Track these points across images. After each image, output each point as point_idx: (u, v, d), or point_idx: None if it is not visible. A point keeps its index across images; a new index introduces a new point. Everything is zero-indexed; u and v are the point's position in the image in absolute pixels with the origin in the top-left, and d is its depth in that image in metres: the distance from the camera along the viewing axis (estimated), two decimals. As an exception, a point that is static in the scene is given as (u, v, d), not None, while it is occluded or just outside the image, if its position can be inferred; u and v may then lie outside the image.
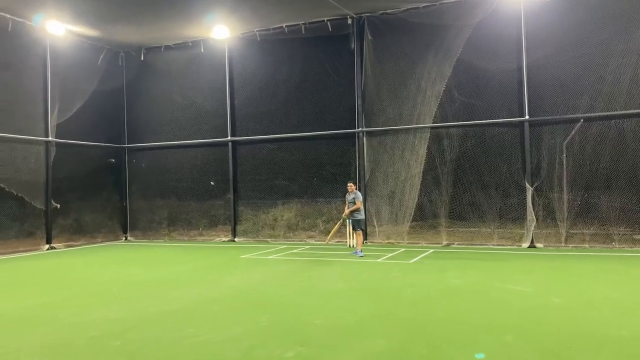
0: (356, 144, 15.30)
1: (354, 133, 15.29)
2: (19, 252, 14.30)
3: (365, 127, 15.16)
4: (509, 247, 13.31)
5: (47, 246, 15.24)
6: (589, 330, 5.62)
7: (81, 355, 5.08)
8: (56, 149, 15.68)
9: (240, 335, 5.61)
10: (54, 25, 14.80)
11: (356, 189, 12.68)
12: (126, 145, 18.41)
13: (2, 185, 14.07)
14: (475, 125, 14.08)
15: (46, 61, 15.43)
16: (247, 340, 5.44)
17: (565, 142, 13.18)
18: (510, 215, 13.71)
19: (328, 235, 13.34)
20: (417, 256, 11.95)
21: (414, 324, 5.98)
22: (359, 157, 15.23)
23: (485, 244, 13.67)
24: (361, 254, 12.03)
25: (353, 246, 12.97)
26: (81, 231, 16.62)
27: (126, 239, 18.17)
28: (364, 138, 15.21)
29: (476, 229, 14.11)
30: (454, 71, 14.06)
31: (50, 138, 15.46)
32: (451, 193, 14.26)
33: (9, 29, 14.19)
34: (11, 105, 14.49)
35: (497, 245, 13.54)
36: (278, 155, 16.42)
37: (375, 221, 15.08)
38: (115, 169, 18.20)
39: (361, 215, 12.39)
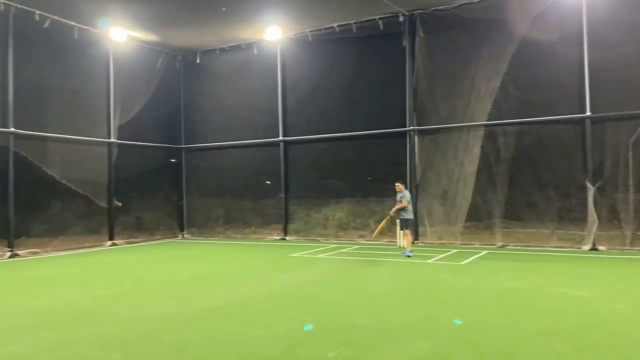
0: (408, 143, 15.09)
1: (406, 132, 15.10)
2: (84, 247, 15.09)
3: (417, 126, 14.94)
4: (568, 249, 12.74)
5: (109, 242, 16.00)
6: (614, 328, 5.29)
7: (134, 347, 5.30)
8: (118, 149, 16.44)
9: (285, 334, 5.68)
10: (116, 32, 15.53)
11: (404, 189, 12.53)
12: (183, 145, 19.03)
13: (69, 184, 14.88)
14: (533, 122, 13.56)
15: (109, 66, 16.20)
16: (290, 338, 5.50)
17: (632, 139, 12.47)
18: (570, 216, 13.12)
19: (383, 225, 13.10)
20: (469, 257, 11.66)
21: (461, 329, 5.84)
22: (410, 156, 15.03)
23: (543, 246, 13.14)
24: (409, 254, 11.89)
25: (403, 246, 12.83)
26: (141, 228, 17.34)
27: (183, 236, 18.79)
28: (416, 137, 14.99)
29: (534, 230, 13.60)
30: (510, 67, 13.61)
31: (112, 139, 16.22)
32: (507, 193, 13.81)
33: (75, 36, 14.99)
34: (77, 109, 15.32)
35: (556, 247, 12.99)
36: (329, 155, 16.48)
37: (427, 221, 14.84)
38: (173, 169, 18.86)
39: (408, 215, 12.23)
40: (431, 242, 14.60)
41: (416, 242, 14.63)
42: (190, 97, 18.95)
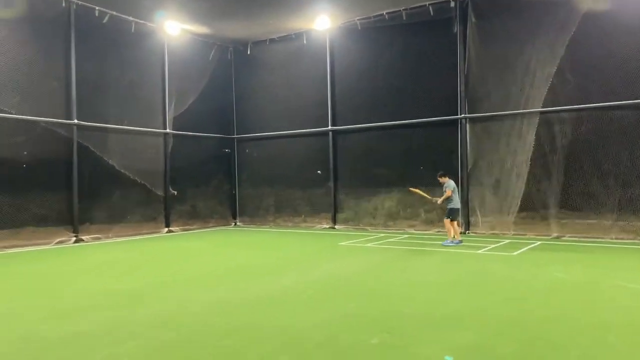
0: (459, 131, 14.81)
1: (457, 120, 14.81)
2: (142, 234, 15.79)
3: (469, 114, 14.62)
4: (629, 241, 12.18)
5: (166, 229, 16.67)
6: None
7: (186, 328, 5.56)
8: (173, 140, 17.03)
9: (328, 321, 5.78)
10: (170, 25, 16.04)
11: (448, 178, 12.36)
12: (235, 136, 19.46)
13: (128, 173, 15.58)
14: (592, 108, 12.97)
15: (164, 59, 16.77)
16: (334, 325, 5.61)
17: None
18: (632, 206, 12.51)
19: (421, 194, 12.99)
20: (522, 248, 11.38)
21: (508, 320, 5.76)
22: (461, 145, 14.74)
23: (602, 238, 12.61)
24: (449, 243, 11.95)
25: (454, 237, 12.68)
26: (196, 216, 17.94)
27: (235, 224, 19.29)
28: (467, 125, 14.68)
29: (593, 221, 13.06)
30: (568, 50, 13.04)
31: (167, 130, 16.82)
32: (562, 182, 13.32)
33: (132, 31, 15.60)
34: (135, 101, 15.97)
35: (616, 239, 12.44)
36: (378, 144, 16.41)
37: (479, 211, 14.56)
38: (226, 159, 19.35)
39: (452, 204, 12.09)
40: (483, 232, 14.32)
41: (467, 232, 14.42)
42: (242, 88, 19.32)
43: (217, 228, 18.25)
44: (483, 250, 11.35)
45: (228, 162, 19.45)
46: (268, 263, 10.49)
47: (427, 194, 12.87)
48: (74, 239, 14.00)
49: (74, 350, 4.87)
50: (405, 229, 15.59)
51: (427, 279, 8.34)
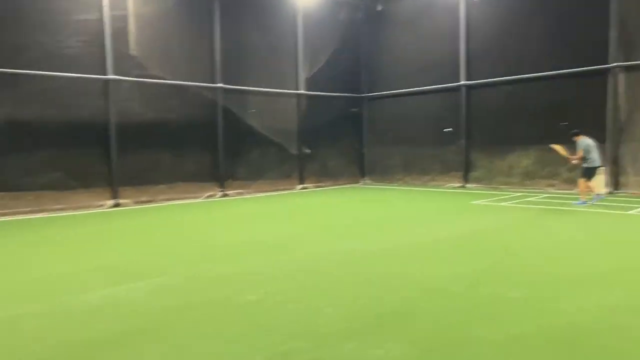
0: (609, 82, 13.46)
1: (607, 69, 13.46)
2: (279, 190, 16.85)
3: (623, 62, 13.19)
4: None
5: (300, 186, 17.58)
6: None
7: (329, 274, 5.99)
8: (306, 100, 17.69)
9: (465, 274, 5.85)
10: (303, -12, 16.47)
11: (582, 137, 11.41)
12: (365, 94, 19.62)
13: (266, 133, 16.59)
14: None
15: (297, 22, 17.29)
16: (471, 278, 5.66)
17: None
18: None
19: (561, 151, 12.20)
20: (683, 210, 10.26)
21: (665, 282, 5.36)
22: (613, 97, 13.41)
23: None
24: (582, 203, 11.30)
25: (598, 193, 11.82)
26: (327, 174, 18.63)
27: (364, 182, 19.69)
28: (621, 74, 13.28)
29: None
30: None
31: (301, 91, 17.49)
32: None
33: (269, -4, 16.32)
34: (271, 64, 16.79)
35: None
36: (515, 99, 15.53)
37: (630, 169, 13.28)
38: (356, 118, 19.65)
39: (587, 163, 11.25)
40: (634, 192, 13.08)
41: (616, 191, 13.28)
42: (371, 46, 19.29)
43: (347, 186, 18.79)
44: (634, 211, 10.42)
45: (357, 121, 19.74)
46: (401, 218, 10.69)
47: (567, 152, 12.01)
48: (220, 193, 15.39)
49: (234, 287, 5.53)
50: (544, 188, 14.77)
51: (569, 238, 7.95)
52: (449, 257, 6.83)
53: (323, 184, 18.34)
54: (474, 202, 12.83)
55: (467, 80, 16.46)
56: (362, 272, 6.06)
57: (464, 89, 16.57)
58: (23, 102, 11.99)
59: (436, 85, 17.30)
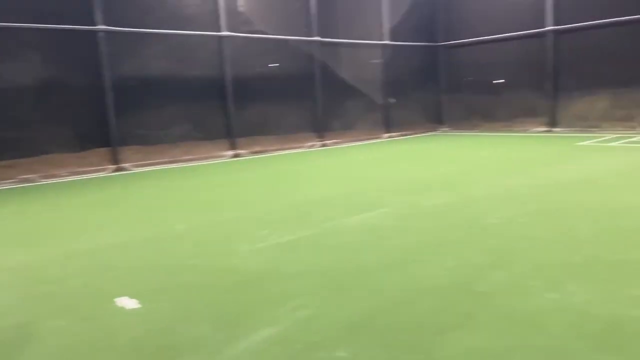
0: None
1: None
2: (369, 139, 17.46)
3: None
4: None
5: (387, 135, 18.16)
6: None
7: (441, 219, 6.65)
8: (390, 50, 18.01)
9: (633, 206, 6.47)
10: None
11: None
12: (442, 43, 19.82)
13: (356, 85, 17.08)
14: None
15: (380, -29, 17.43)
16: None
17: None
18: None
19: None
20: None
21: None
22: None
23: None
24: None
25: None
26: (410, 122, 19.11)
27: (443, 130, 20.16)
28: None
29: None
30: None
31: (385, 41, 17.80)
32: None
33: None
34: (359, 15, 17.07)
35: None
36: (608, 43, 15.64)
37: None
38: (433, 67, 19.92)
39: None
40: None
41: None
42: (450, -7, 19.35)
43: (428, 134, 19.30)
44: None
45: (435, 69, 20.02)
46: (527, 158, 11.21)
47: None
48: (320, 143, 16.06)
49: (474, 212, 6.22)
50: (621, 130, 15.14)
51: None
52: (628, 188, 7.42)
53: (408, 132, 18.87)
54: (579, 143, 13.30)
55: (557, 24, 16.57)
56: (554, 202, 6.69)
57: (551, 34, 16.70)
58: (151, 60, 12.62)
59: (519, 31, 17.43)
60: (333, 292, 3.94)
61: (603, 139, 13.93)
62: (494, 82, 18.19)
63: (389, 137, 18.14)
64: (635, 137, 13.90)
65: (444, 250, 4.86)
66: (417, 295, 3.77)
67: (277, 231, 5.84)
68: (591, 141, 13.56)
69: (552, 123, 17.15)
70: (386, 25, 17.78)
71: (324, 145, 16.05)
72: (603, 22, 15.53)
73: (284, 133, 15.32)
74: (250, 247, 5.25)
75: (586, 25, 15.94)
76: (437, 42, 19.83)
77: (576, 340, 2.98)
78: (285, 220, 6.43)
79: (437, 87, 20.21)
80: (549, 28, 16.67)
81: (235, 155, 13.94)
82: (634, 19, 14.87)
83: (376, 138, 17.80)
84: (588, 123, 16.36)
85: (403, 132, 18.75)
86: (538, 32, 16.99)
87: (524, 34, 17.41)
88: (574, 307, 3.41)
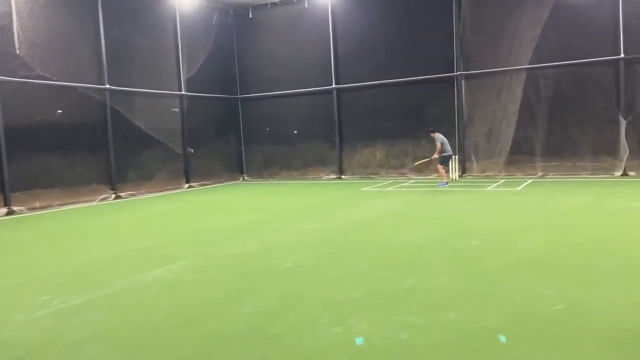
0: (455, 87, 16.78)
1: (453, 77, 16.75)
2: (168, 189, 17.00)
3: (464, 71, 16.57)
4: (602, 176, 14.72)
5: (187, 185, 17.92)
6: None
7: (321, 249, 7.22)
8: (187, 101, 18.06)
9: (429, 235, 7.63)
10: (181, -9, 16.84)
11: (437, 133, 14.52)
12: (240, 95, 20.60)
13: (152, 134, 16.60)
14: (571, 64, 15.21)
15: (176, 24, 17.57)
16: (436, 237, 7.46)
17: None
18: (603, 147, 15.02)
19: (424, 162, 15.53)
20: (521, 185, 13.65)
21: (561, 225, 7.82)
22: (458, 99, 16.75)
23: (579, 174, 15.12)
24: (444, 185, 14.41)
25: (454, 179, 15.18)
26: (209, 172, 19.19)
27: (243, 179, 20.69)
28: (463, 81, 16.66)
29: (569, 163, 15.54)
30: (551, 14, 15.10)
31: (183, 92, 17.82)
32: (546, 129, 15.64)
33: (148, -2, 16.34)
34: (154, 65, 16.83)
35: (591, 174, 14.97)
36: (380, 101, 18.12)
37: (473, 157, 16.74)
38: (233, 118, 20.50)
39: (444, 153, 14.38)
40: (477, 174, 16.56)
41: (464, 175, 16.62)
42: (244, 51, 20.32)
43: (229, 183, 19.61)
44: (490, 187, 13.53)
45: (234, 121, 20.61)
46: (320, 204, 12.16)
47: (426, 159, 15.24)
48: (114, 195, 15.08)
49: (267, 259, 6.45)
50: (408, 175, 17.62)
51: (468, 208, 10.33)
52: (399, 227, 8.56)
53: (207, 182, 18.88)
54: (363, 189, 14.93)
55: (337, 84, 18.63)
56: (343, 241, 7.43)
57: (335, 92, 18.70)
58: None
59: (309, 88, 19.13)
60: (126, 355, 3.71)
61: (381, 184, 15.87)
62: (294, 132, 19.50)
63: (189, 187, 17.92)
64: (405, 182, 16.15)
65: (242, 298, 4.96)
66: (216, 347, 3.77)
67: (61, 295, 5.28)
68: (372, 187, 15.32)
69: (341, 171, 18.95)
70: (183, 76, 17.83)
71: (118, 198, 15.10)
72: (377, 83, 17.97)
73: (72, 186, 14.04)
74: (27, 317, 4.65)
75: (362, 85, 18.26)
76: (235, 95, 20.54)
77: (357, 368, 3.31)
78: (71, 283, 5.87)
79: (237, 138, 20.80)
80: (334, 86, 18.64)
81: (9, 213, 12.25)
82: (400, 82, 17.53)
83: (176, 188, 17.42)
84: (369, 170, 18.52)
85: (204, 182, 18.72)
86: (325, 90, 18.85)
87: (313, 91, 19.13)
88: (355, 337, 3.78)
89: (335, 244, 7.32)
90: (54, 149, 13.59)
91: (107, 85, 14.98)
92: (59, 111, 13.92)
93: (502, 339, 3.62)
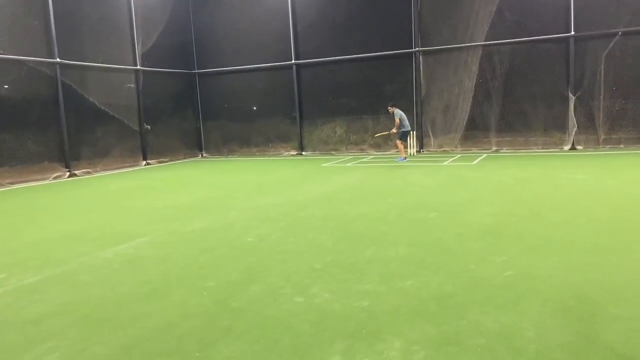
0: (413, 63, 16.97)
1: (411, 53, 16.92)
2: (124, 167, 16.66)
3: (422, 47, 16.76)
4: (551, 149, 15.34)
5: (144, 162, 17.58)
6: (612, 193, 7.76)
7: (282, 222, 7.30)
8: (143, 76, 17.58)
9: (387, 209, 7.81)
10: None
11: (396, 108, 14.65)
12: (198, 71, 20.19)
13: (106, 109, 16.13)
14: (524, 42, 15.63)
15: (129, -4, 16.99)
16: (395, 209, 7.66)
17: (604, 54, 14.78)
18: (553, 122, 15.62)
19: (383, 134, 15.94)
20: (476, 159, 14.06)
21: (515, 199, 8.15)
22: (416, 75, 16.97)
23: (531, 148, 15.70)
24: (403, 160, 14.65)
25: (412, 154, 15.48)
26: (167, 149, 18.88)
27: (202, 155, 20.45)
28: (421, 57, 16.86)
29: (522, 138, 16.09)
30: (506, -9, 15.45)
31: (138, 67, 17.32)
32: (501, 105, 16.10)
33: (99, -33, 15.65)
34: (107, 37, 16.25)
35: (542, 148, 15.57)
36: (340, 77, 18.16)
37: (430, 132, 17.08)
38: (191, 94, 20.12)
39: (403, 128, 14.54)
40: (434, 150, 16.93)
41: (422, 150, 16.96)
42: (201, 24, 19.90)
43: (188, 160, 19.35)
44: (446, 162, 13.89)
45: (192, 96, 20.25)
46: (280, 180, 12.18)
47: (386, 132, 15.38)
48: (68, 173, 14.67)
49: (228, 233, 6.49)
50: (369, 151, 17.84)
51: (425, 182, 10.60)
52: (359, 201, 8.71)
53: (165, 159, 18.57)
54: (324, 165, 15.04)
55: (297, 59, 18.51)
56: (318, 215, 7.54)
57: (294, 67, 18.58)
58: None
59: (268, 63, 18.94)
60: (88, 329, 3.71)
61: (341, 160, 16.02)
62: (254, 108, 19.34)
63: (147, 164, 17.60)
64: (365, 158, 16.36)
65: (204, 272, 5.00)
66: (180, 319, 3.82)
67: (17, 273, 5.19)
68: (332, 162, 15.45)
69: (301, 147, 18.98)
70: (138, 50, 17.31)
71: (72, 176, 14.70)
72: (336, 59, 17.96)
73: (22, 164, 13.56)
74: (-18, 296, 4.56)
75: (322, 61, 18.22)
76: (192, 70, 20.12)
77: (318, 333, 3.43)
78: (26, 261, 5.75)
79: (195, 114, 20.46)
80: (293, 62, 18.51)
81: (-42, 192, 11.77)
82: (360, 58, 17.59)
83: (133, 166, 17.08)
84: (330, 147, 18.64)
85: (161, 159, 18.41)
86: (285, 65, 18.70)
87: (273, 66, 18.95)
88: (316, 306, 3.91)
89: (296, 218, 7.41)
90: (2, 125, 13.05)
91: (58, 59, 14.40)
92: (5, 86, 13.34)
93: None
